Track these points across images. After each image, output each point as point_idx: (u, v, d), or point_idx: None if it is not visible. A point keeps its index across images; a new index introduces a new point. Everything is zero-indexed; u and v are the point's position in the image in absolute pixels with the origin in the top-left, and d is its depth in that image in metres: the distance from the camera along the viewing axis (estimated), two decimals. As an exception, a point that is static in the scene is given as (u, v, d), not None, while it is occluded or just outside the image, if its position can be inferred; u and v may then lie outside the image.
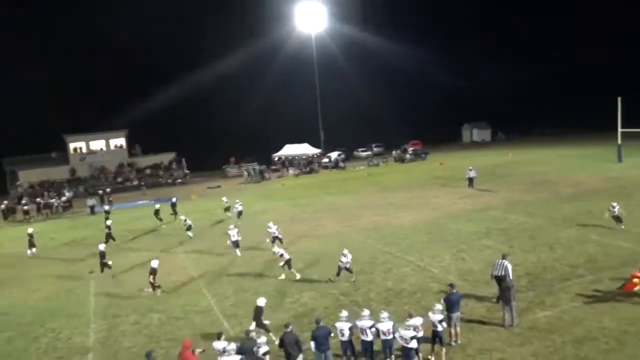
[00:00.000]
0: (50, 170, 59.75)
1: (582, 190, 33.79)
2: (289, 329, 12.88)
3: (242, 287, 20.22)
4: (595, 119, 70.34)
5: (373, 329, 13.02)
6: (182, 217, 31.58)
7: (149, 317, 18.08)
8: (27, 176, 57.87)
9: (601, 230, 23.79)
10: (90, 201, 44.09)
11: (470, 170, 38.22)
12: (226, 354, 12.24)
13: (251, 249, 25.66)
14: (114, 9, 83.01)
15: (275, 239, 24.90)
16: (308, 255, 23.80)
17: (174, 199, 37.28)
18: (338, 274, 19.79)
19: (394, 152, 68.35)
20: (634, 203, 28.70)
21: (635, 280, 15.79)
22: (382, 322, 12.95)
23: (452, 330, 14.12)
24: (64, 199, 46.95)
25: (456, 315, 14.07)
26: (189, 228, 29.82)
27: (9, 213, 43.60)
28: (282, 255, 20.77)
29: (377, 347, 13.29)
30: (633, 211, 26.80)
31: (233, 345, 12.50)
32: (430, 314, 13.54)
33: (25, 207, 43.43)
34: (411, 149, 68.78)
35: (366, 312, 13.38)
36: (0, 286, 23.48)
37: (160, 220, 35.06)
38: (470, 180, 37.75)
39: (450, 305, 14.11)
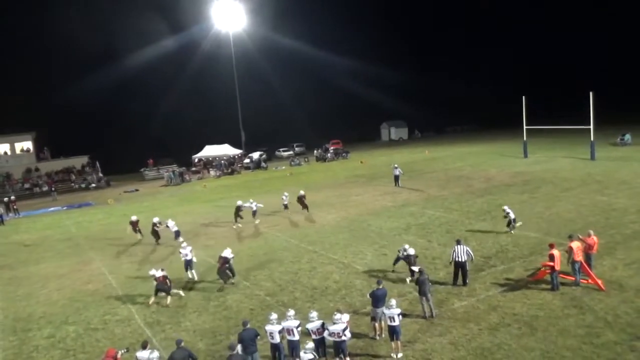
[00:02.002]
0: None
1: (494, 185, 35.65)
2: (247, 326, 13.09)
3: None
4: (503, 116, 74.88)
5: (300, 328, 13.11)
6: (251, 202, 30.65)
7: (65, 329, 17.15)
8: None
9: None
10: None
11: (396, 168, 39.13)
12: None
13: (174, 254, 24.98)
14: (20, 3, 78.06)
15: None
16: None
17: (239, 202, 30.67)
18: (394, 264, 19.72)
19: (315, 151, 68.93)
20: (539, 196, 30.69)
21: (546, 269, 16.82)
22: (311, 321, 13.10)
23: (377, 325, 14.48)
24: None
25: (381, 310, 14.44)
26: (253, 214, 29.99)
27: None
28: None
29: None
30: (538, 203, 28.70)
31: (156, 354, 12.15)
32: (384, 309, 13.78)
33: None
34: (332, 148, 69.65)
35: (291, 312, 13.40)
36: None
37: (240, 218, 30.27)
38: (396, 177, 38.65)
39: (376, 300, 14.46)
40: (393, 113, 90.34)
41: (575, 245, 16.75)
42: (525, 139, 48.97)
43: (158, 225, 27.31)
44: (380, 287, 14.86)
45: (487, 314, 15.34)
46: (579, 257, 16.62)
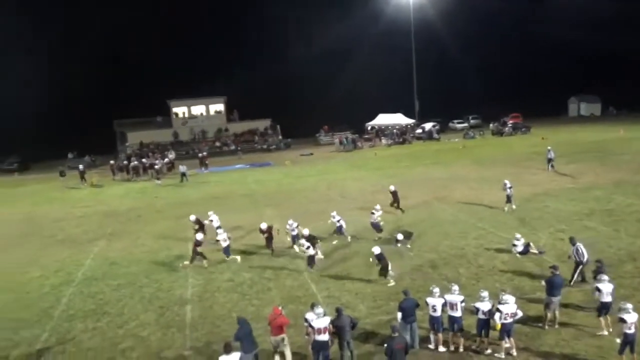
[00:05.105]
0: (155, 133, 63.56)
1: None
2: (408, 295, 13.27)
3: (330, 254, 20.58)
4: None
5: (463, 304, 12.91)
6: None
7: (242, 275, 18.92)
8: (135, 138, 61.83)
9: None
10: (182, 167, 42.67)
11: (549, 150, 35.69)
12: (317, 316, 12.19)
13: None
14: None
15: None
16: (395, 226, 23.61)
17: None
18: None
19: (491, 124, 65.60)
20: None
21: None
22: (482, 301, 12.80)
23: (549, 314, 13.61)
24: (166, 160, 49.70)
25: (557, 299, 13.48)
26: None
27: (117, 171, 46.94)
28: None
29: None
30: None
31: (321, 310, 12.48)
32: (597, 284, 13.25)
33: (133, 164, 46.57)
34: (511, 122, 65.63)
35: (455, 287, 13.16)
36: (112, 239, 25.60)
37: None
38: (549, 160, 35.23)
39: (552, 288, 13.56)
40: (584, 86, 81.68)
41: None
42: None
43: (278, 231, 22.36)
44: (557, 273, 13.83)
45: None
46: None
